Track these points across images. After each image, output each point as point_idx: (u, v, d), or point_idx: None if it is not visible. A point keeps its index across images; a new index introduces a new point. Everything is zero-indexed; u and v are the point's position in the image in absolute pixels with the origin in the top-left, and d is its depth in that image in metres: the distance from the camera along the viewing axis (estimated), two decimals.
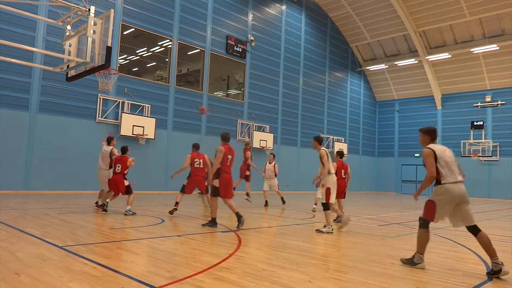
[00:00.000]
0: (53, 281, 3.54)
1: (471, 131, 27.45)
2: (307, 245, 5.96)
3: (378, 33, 28.79)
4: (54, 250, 4.80)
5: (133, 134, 16.52)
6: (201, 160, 9.32)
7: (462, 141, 27.31)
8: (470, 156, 26.93)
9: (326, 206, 7.34)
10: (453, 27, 26.39)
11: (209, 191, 8.47)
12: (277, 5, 24.47)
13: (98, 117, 16.06)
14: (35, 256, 4.42)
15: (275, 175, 13.11)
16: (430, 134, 4.99)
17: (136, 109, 17.26)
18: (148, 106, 17.61)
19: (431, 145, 4.87)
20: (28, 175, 14.24)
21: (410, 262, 4.70)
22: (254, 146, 21.83)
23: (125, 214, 8.81)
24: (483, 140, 26.58)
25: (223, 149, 7.37)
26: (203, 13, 20.21)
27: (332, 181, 7.44)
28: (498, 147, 26.52)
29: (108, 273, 3.89)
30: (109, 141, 9.58)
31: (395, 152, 32.00)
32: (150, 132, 17.04)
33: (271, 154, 13.78)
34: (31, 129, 14.41)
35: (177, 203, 9.10)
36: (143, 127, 16.86)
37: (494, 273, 4.36)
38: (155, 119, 17.47)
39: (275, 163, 13.15)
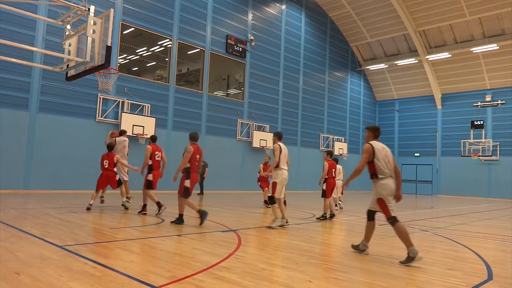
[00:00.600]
0: (53, 280, 3.54)
1: (471, 131, 27.46)
2: (307, 245, 5.96)
3: (378, 33, 28.78)
4: (54, 250, 4.80)
5: (133, 133, 16.51)
6: (160, 153, 9.19)
7: (462, 141, 27.33)
8: (470, 156, 26.95)
9: (272, 200, 7.61)
10: (453, 27, 26.39)
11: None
12: (277, 4, 24.46)
13: (98, 116, 16.06)
14: (35, 256, 4.42)
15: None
16: (374, 132, 5.49)
17: (136, 109, 17.26)
18: (148, 106, 17.60)
19: (372, 142, 5.35)
20: (28, 175, 14.24)
21: (357, 248, 5.50)
22: (254, 146, 21.86)
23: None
24: (483, 140, 26.59)
25: (191, 149, 7.37)
26: (203, 12, 20.20)
27: (281, 176, 7.64)
28: (498, 146, 26.53)
29: (108, 272, 3.89)
30: (122, 133, 9.70)
31: (395, 151, 32.00)
32: (150, 132, 17.02)
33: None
34: (31, 129, 14.41)
35: (159, 203, 8.97)
36: (143, 126, 16.86)
37: (410, 258, 4.81)
38: (155, 118, 17.46)
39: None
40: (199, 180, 17.33)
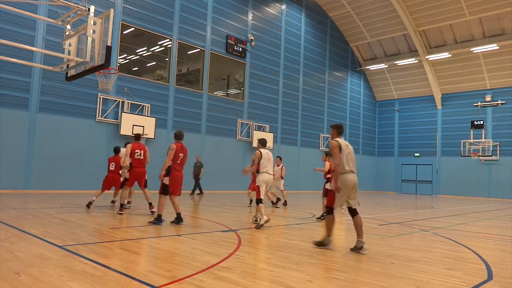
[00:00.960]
0: (53, 280, 3.54)
1: (471, 131, 27.46)
2: (307, 245, 5.95)
3: (378, 33, 28.78)
4: (54, 250, 4.80)
5: (133, 133, 16.51)
6: (141, 151, 9.05)
7: (462, 141, 27.34)
8: (470, 156, 26.95)
9: (259, 201, 7.84)
10: (453, 27, 26.39)
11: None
12: (277, 4, 24.46)
13: (98, 116, 16.06)
14: (35, 256, 4.42)
15: (282, 177, 13.16)
16: (338, 129, 5.89)
17: (136, 109, 17.26)
18: (148, 106, 17.60)
19: (337, 139, 5.76)
20: (28, 175, 14.24)
21: (321, 244, 5.72)
22: (254, 146, 21.85)
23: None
24: (483, 140, 26.59)
25: (174, 147, 7.45)
26: (203, 12, 20.20)
27: (262, 179, 7.77)
28: (498, 146, 26.53)
29: (108, 272, 3.89)
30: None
31: (395, 151, 32.01)
32: (150, 132, 17.04)
33: (278, 157, 13.87)
34: (31, 129, 14.41)
35: (151, 204, 8.97)
36: (143, 126, 16.86)
37: (356, 248, 5.42)
38: (155, 118, 17.47)
39: (282, 166, 13.26)
40: (195, 180, 17.38)
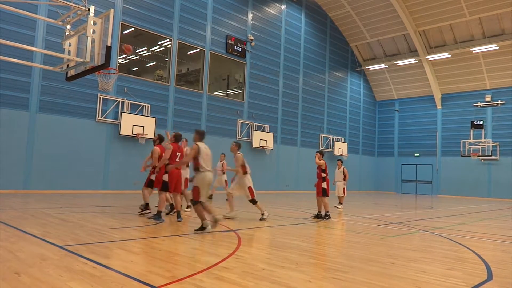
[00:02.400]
0: (53, 280, 3.54)
1: (471, 131, 27.46)
2: (307, 245, 5.96)
3: (378, 33, 28.78)
4: (54, 250, 4.80)
5: (133, 133, 16.52)
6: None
7: (462, 141, 27.34)
8: (470, 156, 26.95)
9: (254, 201, 8.63)
10: (453, 27, 26.39)
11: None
12: (277, 4, 24.46)
13: (98, 116, 16.06)
14: (35, 256, 4.42)
15: (223, 173, 13.64)
16: (200, 135, 6.95)
17: (136, 109, 17.26)
18: (148, 106, 17.60)
19: (198, 143, 6.82)
20: (28, 175, 14.24)
21: (201, 229, 6.60)
22: (254, 146, 21.84)
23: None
24: (483, 140, 26.59)
25: (171, 146, 8.10)
26: (203, 12, 20.20)
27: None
28: (498, 146, 26.53)
29: (108, 272, 3.89)
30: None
31: (395, 151, 32.01)
32: (150, 132, 17.02)
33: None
34: (31, 129, 14.41)
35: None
36: (143, 126, 16.85)
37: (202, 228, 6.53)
38: (155, 118, 17.46)
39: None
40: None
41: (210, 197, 13.91)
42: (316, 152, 10.13)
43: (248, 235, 6.67)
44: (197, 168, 6.77)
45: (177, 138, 8.38)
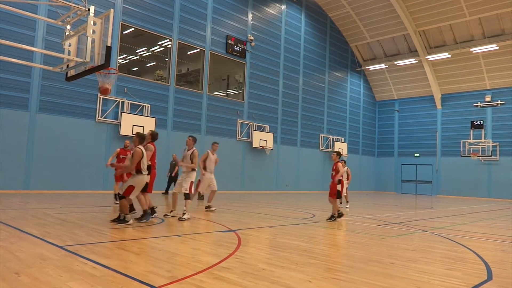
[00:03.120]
0: (53, 280, 3.54)
1: (471, 131, 27.46)
2: (307, 245, 5.95)
3: (378, 33, 28.79)
4: (54, 250, 4.79)
5: (132, 134, 16.49)
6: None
7: (461, 141, 27.33)
8: (470, 156, 26.95)
9: (187, 196, 8.54)
10: (453, 27, 26.40)
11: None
12: (277, 5, 24.46)
13: (98, 116, 16.06)
14: (35, 256, 4.42)
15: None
16: (141, 139, 7.43)
17: (136, 109, 17.26)
18: (148, 106, 17.60)
19: (140, 146, 7.33)
20: (28, 175, 14.24)
21: (123, 221, 7.06)
22: (254, 146, 21.85)
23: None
24: (482, 140, 26.59)
25: (152, 147, 8.12)
26: (203, 12, 20.20)
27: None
28: (497, 146, 26.53)
29: (108, 272, 3.89)
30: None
31: (395, 152, 32.01)
32: None
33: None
34: (31, 129, 14.41)
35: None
36: (143, 126, 16.84)
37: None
38: (155, 118, 17.46)
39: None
40: (170, 178, 16.71)
41: (202, 197, 13.84)
42: (335, 154, 9.72)
43: (248, 235, 6.67)
44: (139, 170, 7.33)
45: (154, 137, 8.30)
